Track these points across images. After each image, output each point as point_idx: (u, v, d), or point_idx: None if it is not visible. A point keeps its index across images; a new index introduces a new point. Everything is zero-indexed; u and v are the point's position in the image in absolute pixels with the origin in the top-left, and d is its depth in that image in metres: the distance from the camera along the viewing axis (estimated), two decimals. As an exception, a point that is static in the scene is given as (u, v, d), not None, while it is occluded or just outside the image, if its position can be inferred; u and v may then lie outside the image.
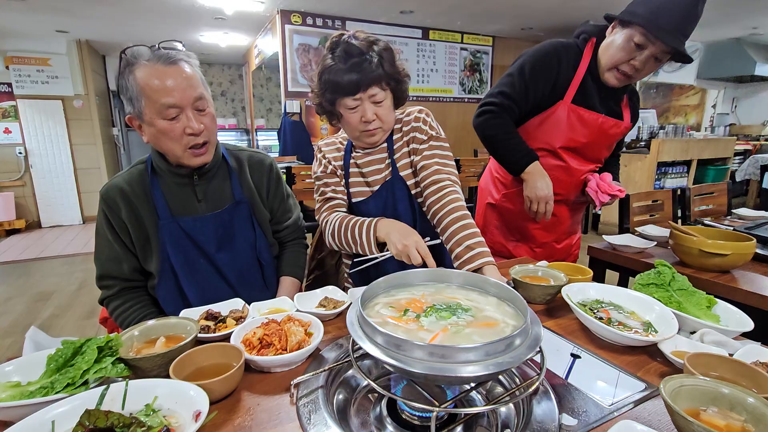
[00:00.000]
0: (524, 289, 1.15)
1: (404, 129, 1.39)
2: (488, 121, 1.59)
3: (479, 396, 0.86)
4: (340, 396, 0.82)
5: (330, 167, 1.41)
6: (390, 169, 1.39)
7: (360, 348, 0.67)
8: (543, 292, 1.14)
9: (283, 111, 5.17)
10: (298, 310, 1.04)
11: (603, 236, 1.73)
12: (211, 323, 0.97)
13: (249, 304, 1.07)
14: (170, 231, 1.19)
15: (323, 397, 0.75)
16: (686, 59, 1.40)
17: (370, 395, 0.84)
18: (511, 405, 0.78)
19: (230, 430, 0.67)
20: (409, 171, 1.39)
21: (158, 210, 1.18)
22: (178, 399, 0.67)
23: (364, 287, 0.83)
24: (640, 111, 1.81)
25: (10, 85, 5.66)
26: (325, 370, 0.81)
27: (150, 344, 0.85)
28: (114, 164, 6.91)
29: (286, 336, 0.88)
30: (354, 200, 1.40)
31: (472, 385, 0.79)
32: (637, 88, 5.47)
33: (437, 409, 0.62)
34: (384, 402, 0.80)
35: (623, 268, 1.74)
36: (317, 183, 1.45)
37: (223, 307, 1.06)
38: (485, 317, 0.78)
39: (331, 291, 1.16)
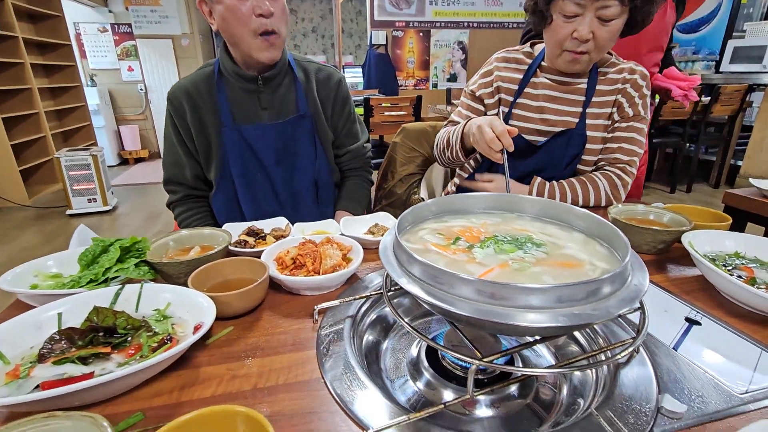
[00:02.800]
0: (628, 233, 0.89)
1: (618, 82, 1.15)
2: None
3: (548, 351, 0.69)
4: (375, 331, 0.71)
5: (490, 89, 1.22)
6: (578, 118, 1.16)
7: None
8: (654, 238, 0.87)
9: (369, 42, 4.93)
10: (342, 234, 0.92)
11: (750, 179, 1.32)
12: (250, 239, 0.91)
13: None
14: (232, 138, 1.14)
15: (349, 329, 0.64)
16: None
17: (408, 335, 0.72)
18: (588, 371, 0.60)
19: (242, 347, 0.60)
20: (599, 134, 1.17)
21: (222, 115, 1.13)
22: (191, 308, 0.61)
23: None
24: None
25: (130, 25, 6.21)
26: (356, 299, 0.69)
27: (184, 252, 0.81)
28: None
29: (320, 258, 0.78)
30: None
31: (536, 337, 0.62)
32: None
33: (477, 362, 0.46)
34: (423, 345, 0.67)
35: (774, 223, 1.32)
36: (462, 99, 1.29)
37: (266, 225, 0.99)
38: (564, 255, 0.58)
39: (383, 217, 1.03)
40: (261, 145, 1.17)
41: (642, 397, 0.50)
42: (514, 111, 1.20)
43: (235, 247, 0.86)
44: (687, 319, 0.67)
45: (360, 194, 1.37)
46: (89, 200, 3.79)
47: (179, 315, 0.61)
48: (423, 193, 1.56)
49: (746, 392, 0.51)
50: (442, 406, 0.46)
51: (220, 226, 1.00)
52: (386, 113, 3.16)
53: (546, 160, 1.17)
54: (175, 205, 1.23)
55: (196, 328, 0.56)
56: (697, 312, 0.69)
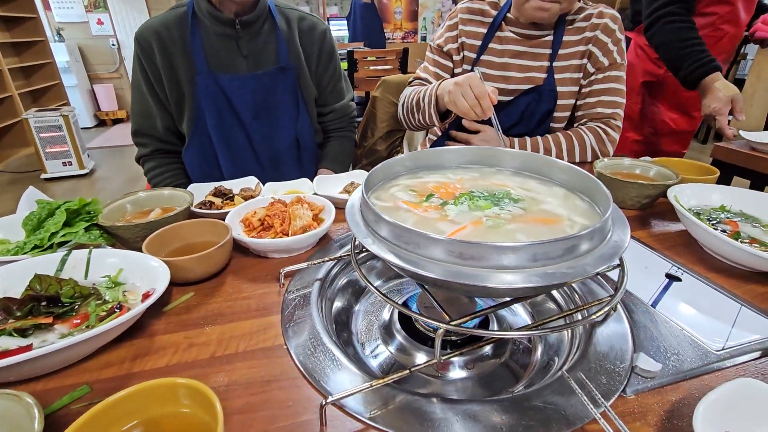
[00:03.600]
0: (612, 187, 0.86)
1: (586, 30, 1.06)
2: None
3: (524, 310, 0.67)
4: (346, 294, 0.68)
5: (456, 45, 1.14)
6: (545, 74, 1.09)
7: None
8: (639, 193, 0.84)
9: (353, -9, 4.64)
10: (315, 194, 0.88)
11: (740, 132, 1.28)
12: (217, 200, 0.85)
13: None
14: (206, 87, 1.05)
15: (317, 292, 0.61)
16: None
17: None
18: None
19: (202, 314, 0.56)
20: (570, 88, 1.10)
21: (196, 62, 1.03)
22: (144, 274, 0.57)
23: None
24: None
25: (95, -28, 5.74)
26: (326, 261, 0.66)
27: (144, 215, 0.76)
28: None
29: (289, 219, 0.73)
30: None
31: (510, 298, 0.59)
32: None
33: (444, 326, 0.43)
34: (395, 312, 0.64)
35: (760, 176, 1.30)
36: (428, 54, 1.21)
37: (236, 185, 0.93)
38: (542, 211, 0.54)
39: (360, 176, 0.98)
40: (238, 98, 1.08)
41: (617, 356, 0.48)
42: (475, 69, 1.13)
43: (200, 208, 0.81)
44: (668, 276, 0.65)
45: (345, 154, 1.30)
46: (64, 164, 3.65)
47: (132, 282, 0.57)
48: (406, 150, 1.50)
49: (723, 349, 0.50)
50: (408, 371, 0.44)
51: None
52: (371, 67, 3.01)
53: (512, 119, 1.12)
54: (144, 160, 1.15)
55: (145, 296, 0.52)
56: (679, 267, 0.67)
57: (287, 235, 0.71)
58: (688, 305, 0.58)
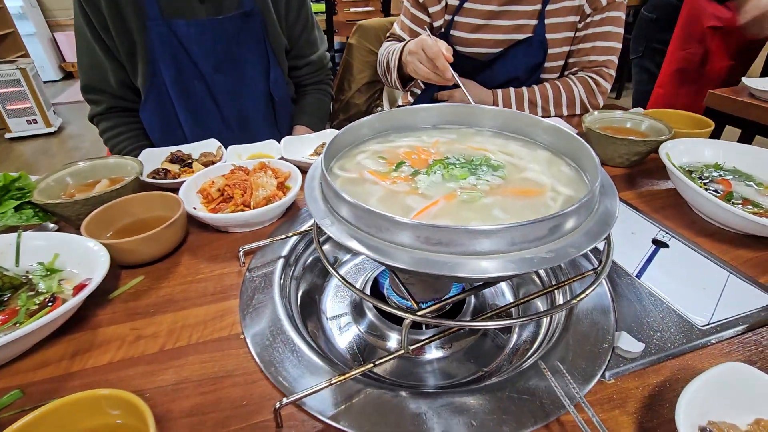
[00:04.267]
0: (602, 144, 0.80)
1: None
2: None
3: (508, 290, 0.63)
4: (314, 271, 0.63)
5: None
6: (536, 20, 0.97)
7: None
8: (629, 150, 0.78)
9: None
10: (282, 158, 0.81)
11: (742, 79, 1.20)
12: (174, 167, 0.78)
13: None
14: (160, 34, 0.92)
15: (281, 271, 0.56)
16: None
17: (354, 271, 0.65)
18: (538, 302, 0.55)
19: (153, 300, 0.52)
20: (563, 35, 1.00)
21: (146, 5, 0.90)
22: (83, 259, 0.51)
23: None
24: None
25: None
26: (290, 236, 0.60)
27: (89, 188, 0.69)
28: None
29: (251, 188, 0.67)
30: (457, 48, 1.03)
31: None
32: None
33: (410, 317, 0.39)
34: (369, 282, 0.60)
35: (752, 126, 1.25)
36: (405, 4, 1.09)
37: (196, 149, 0.85)
38: (523, 180, 0.49)
39: (332, 135, 0.90)
40: (197, 47, 0.96)
41: (597, 336, 0.45)
42: (457, 19, 1.01)
43: (154, 177, 0.73)
44: (654, 242, 0.61)
45: (323, 109, 1.20)
46: (29, 122, 3.43)
47: (70, 268, 0.51)
48: (386, 105, 1.41)
49: (708, 324, 0.47)
50: (372, 364, 0.40)
51: (155, 147, 0.87)
52: (351, 10, 2.79)
53: (501, 75, 1.03)
54: (99, 120, 1.03)
55: (77, 288, 0.46)
56: (666, 232, 0.63)
57: (249, 207, 0.65)
58: (674, 275, 0.54)
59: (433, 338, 0.45)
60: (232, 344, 0.46)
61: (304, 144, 0.88)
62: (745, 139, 1.34)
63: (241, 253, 0.56)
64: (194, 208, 0.63)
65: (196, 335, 0.47)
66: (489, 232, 0.34)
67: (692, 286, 0.53)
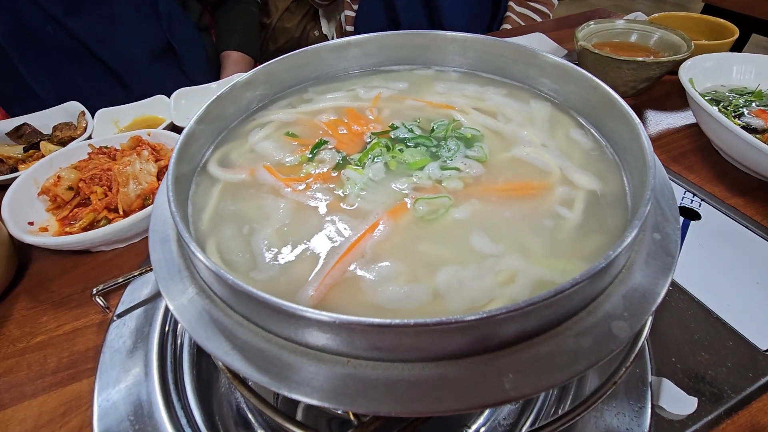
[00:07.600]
0: (599, 69, 0.60)
1: None
2: None
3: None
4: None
5: None
6: None
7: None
8: (635, 75, 0.59)
9: None
10: (172, 124, 0.58)
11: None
12: (14, 151, 0.54)
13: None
14: None
15: (163, 317, 0.38)
16: None
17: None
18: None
19: (-38, 394, 0.33)
20: None
21: None
22: None
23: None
24: None
25: None
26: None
27: None
28: None
29: (117, 183, 0.45)
30: None
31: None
32: None
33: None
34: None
35: (753, 21, 1.06)
36: None
37: (54, 116, 0.61)
38: (514, 162, 0.30)
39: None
40: None
41: (630, 394, 0.31)
42: None
43: (-23, 173, 0.50)
44: (682, 212, 0.45)
45: (254, 26, 0.92)
46: None
47: None
48: (326, 28, 1.11)
49: (773, 343, 0.33)
50: None
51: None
52: None
53: None
54: None
55: None
56: (694, 194, 0.47)
57: (117, 211, 0.44)
58: (714, 263, 0.40)
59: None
60: (76, 471, 0.29)
61: (204, 98, 0.64)
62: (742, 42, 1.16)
63: (97, 298, 0.37)
64: (29, 225, 0.42)
65: (19, 459, 0.29)
66: (459, 328, 0.17)
67: (740, 279, 0.38)
